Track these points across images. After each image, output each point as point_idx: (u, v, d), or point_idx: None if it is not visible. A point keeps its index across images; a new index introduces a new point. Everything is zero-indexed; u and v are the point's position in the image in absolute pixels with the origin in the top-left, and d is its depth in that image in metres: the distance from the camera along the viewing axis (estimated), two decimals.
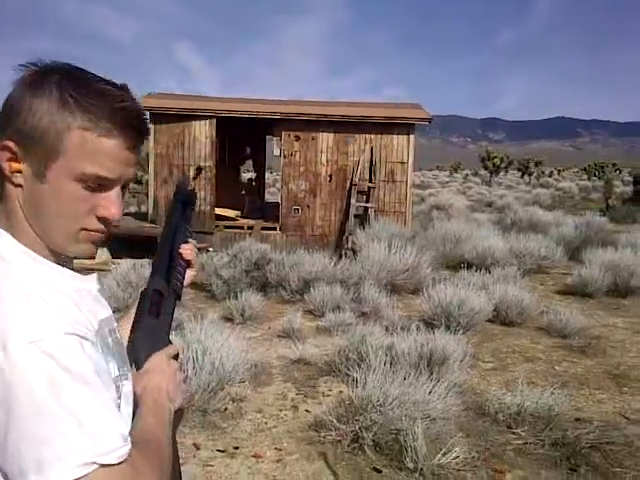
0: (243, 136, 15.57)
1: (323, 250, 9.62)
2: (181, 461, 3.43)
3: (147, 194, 13.16)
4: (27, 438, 0.71)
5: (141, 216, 13.52)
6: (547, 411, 4.09)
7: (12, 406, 0.71)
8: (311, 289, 7.45)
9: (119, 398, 0.89)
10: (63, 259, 0.90)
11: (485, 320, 6.65)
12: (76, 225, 0.85)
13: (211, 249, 10.82)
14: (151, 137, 12.37)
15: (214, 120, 12.34)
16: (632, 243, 10.46)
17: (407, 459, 3.50)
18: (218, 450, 3.77)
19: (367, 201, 12.23)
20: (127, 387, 0.94)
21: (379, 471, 3.53)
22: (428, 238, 11.15)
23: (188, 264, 1.14)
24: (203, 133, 12.38)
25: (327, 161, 12.38)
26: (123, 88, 0.86)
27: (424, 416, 3.78)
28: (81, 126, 0.81)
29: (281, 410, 4.45)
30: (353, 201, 12.13)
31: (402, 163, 12.36)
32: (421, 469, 3.45)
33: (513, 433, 4.00)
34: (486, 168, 44.72)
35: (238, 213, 13.72)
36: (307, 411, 4.42)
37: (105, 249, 10.49)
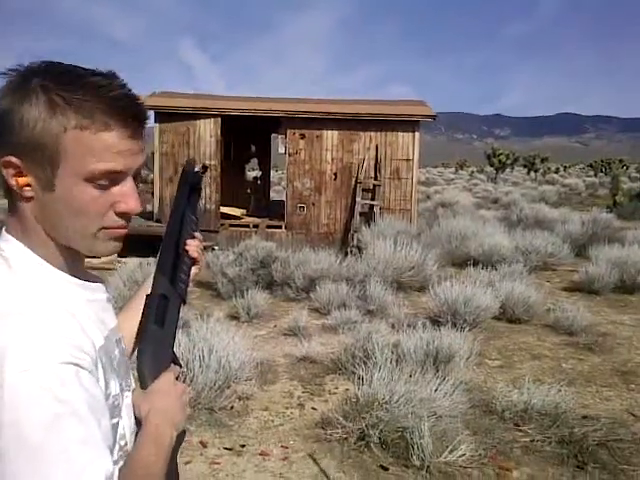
0: (248, 134, 15.58)
1: (329, 248, 9.62)
2: (188, 459, 3.45)
3: (152, 193, 13.19)
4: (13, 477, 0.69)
5: (147, 215, 13.56)
6: (554, 408, 4.08)
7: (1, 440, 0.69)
8: (317, 287, 7.46)
9: (119, 415, 0.88)
10: (76, 265, 0.89)
11: (491, 317, 6.63)
12: (96, 225, 0.83)
13: (216, 248, 10.84)
14: (156, 136, 12.41)
15: (219, 119, 12.35)
16: (639, 240, 10.41)
17: (413, 457, 3.50)
18: (225, 448, 3.78)
19: (372, 199, 12.22)
20: (128, 399, 0.93)
21: (385, 469, 3.53)
22: (434, 235, 11.13)
23: (194, 262, 1.10)
24: (208, 132, 12.40)
25: (332, 159, 12.38)
26: (110, 76, 0.82)
27: (430, 414, 3.77)
28: (76, 125, 0.78)
29: (287, 408, 4.46)
30: (358, 199, 12.12)
31: (407, 160, 12.33)
32: (427, 466, 3.45)
33: (520, 431, 3.99)
34: (492, 165, 44.58)
35: (243, 211, 13.74)
36: (313, 409, 4.43)
37: None
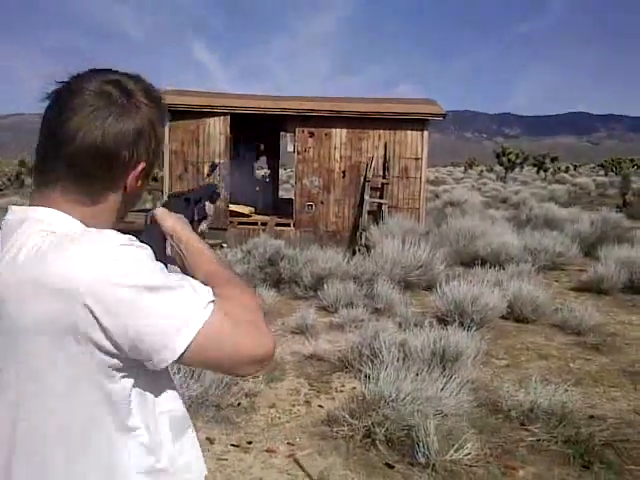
0: (257, 133, 15.61)
1: (337, 246, 9.64)
2: None
3: (162, 190, 13.25)
4: (160, 315, 0.89)
5: None
6: (561, 408, 4.07)
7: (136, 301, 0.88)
8: (324, 285, 7.47)
9: None
10: None
11: (499, 317, 6.62)
12: None
13: (225, 245, 10.89)
14: (166, 134, 12.46)
15: (228, 117, 12.39)
16: None
17: (419, 455, 3.51)
18: (232, 445, 3.81)
19: (381, 197, 12.22)
20: None
21: (391, 467, 3.55)
22: (442, 234, 11.11)
23: (204, 217, 1.35)
24: (217, 130, 12.44)
25: (341, 157, 12.39)
26: None
27: (436, 412, 3.79)
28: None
29: (294, 405, 4.48)
30: (367, 197, 12.12)
31: (416, 159, 12.32)
32: (433, 465, 3.47)
33: (526, 430, 3.99)
34: (501, 164, 44.39)
35: (252, 209, 13.77)
36: (320, 406, 4.45)
37: None
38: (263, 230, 11.80)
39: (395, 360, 4.41)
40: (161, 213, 1.18)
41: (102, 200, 1.01)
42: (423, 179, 12.39)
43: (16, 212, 0.98)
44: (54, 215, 0.97)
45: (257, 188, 16.22)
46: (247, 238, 10.14)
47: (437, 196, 24.36)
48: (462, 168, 67.73)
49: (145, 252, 0.93)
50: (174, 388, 1.07)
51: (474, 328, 5.74)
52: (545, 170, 48.51)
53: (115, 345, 0.88)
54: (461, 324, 5.87)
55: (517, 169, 48.00)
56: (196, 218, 1.31)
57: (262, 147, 16.88)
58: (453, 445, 3.53)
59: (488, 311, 6.30)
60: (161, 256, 1.13)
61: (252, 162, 16.85)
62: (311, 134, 12.36)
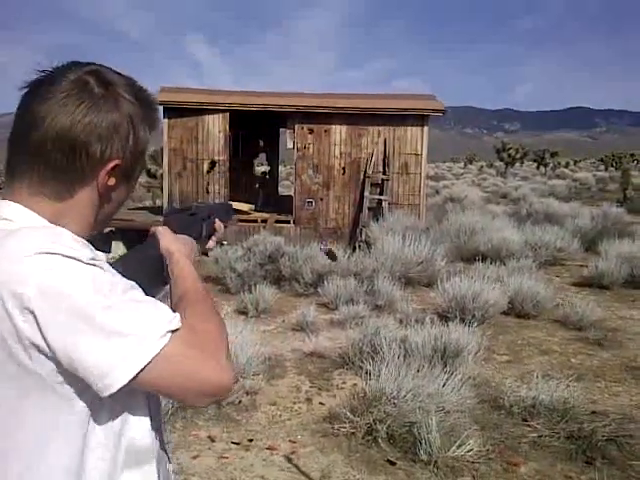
0: (256, 129, 15.57)
1: (337, 243, 9.62)
2: (196, 453, 3.47)
3: (161, 188, 13.22)
4: (103, 334, 0.80)
5: (156, 210, 13.61)
6: (562, 404, 4.06)
7: (79, 314, 0.80)
8: (325, 282, 7.46)
9: None
10: None
11: (500, 313, 6.61)
12: None
13: (225, 242, 10.87)
14: (165, 131, 12.43)
15: (227, 114, 12.36)
16: None
17: (421, 451, 3.50)
18: (233, 442, 3.80)
19: (381, 193, 12.19)
20: None
21: (393, 463, 3.54)
22: (442, 230, 11.09)
23: (213, 233, 1.31)
24: (216, 127, 12.41)
25: (340, 154, 12.35)
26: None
27: (438, 409, 3.77)
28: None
29: (295, 403, 4.47)
30: (367, 194, 12.09)
31: (416, 155, 12.29)
32: (435, 461, 3.46)
33: (528, 426, 3.98)
34: (501, 159, 44.37)
35: (252, 206, 13.74)
36: (321, 404, 4.44)
37: (120, 243, 10.58)
38: (263, 227, 11.79)
39: (396, 357, 4.39)
40: (161, 230, 1.13)
41: (68, 197, 0.92)
42: (423, 175, 12.36)
43: None
44: (16, 211, 0.90)
45: (257, 185, 16.20)
46: (247, 235, 10.11)
47: (437, 192, 24.34)
48: (462, 164, 67.68)
49: (89, 270, 0.84)
50: (146, 415, 0.97)
51: (475, 324, 5.73)
52: (545, 165, 48.48)
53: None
54: (462, 320, 5.86)
55: (517, 164, 47.99)
56: (204, 234, 1.27)
57: (261, 144, 16.85)
58: (455, 441, 3.52)
59: (489, 307, 6.29)
60: (152, 275, 1.10)
61: (251, 159, 16.83)
62: (310, 130, 12.33)
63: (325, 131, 12.30)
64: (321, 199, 12.37)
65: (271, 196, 15.88)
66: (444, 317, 6.21)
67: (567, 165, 59.20)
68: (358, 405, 4.06)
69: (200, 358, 0.86)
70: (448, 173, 45.92)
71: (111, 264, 0.97)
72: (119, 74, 0.96)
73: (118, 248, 10.54)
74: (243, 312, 6.78)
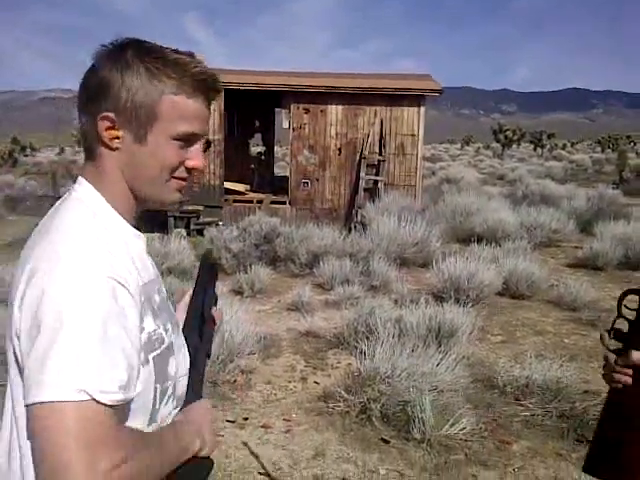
0: (252, 109, 15.45)
1: (332, 224, 9.61)
2: None
3: None
4: (40, 356, 0.78)
5: None
6: (555, 383, 4.09)
7: (40, 324, 0.80)
8: (320, 263, 7.46)
9: (156, 349, 0.94)
10: (133, 217, 1.02)
11: (495, 293, 6.64)
12: (169, 174, 0.98)
13: (220, 223, 10.84)
14: None
15: (222, 93, 12.23)
16: None
17: (414, 430, 3.54)
18: (228, 420, 3.83)
19: (377, 174, 12.15)
20: (180, 340, 1.06)
21: (387, 442, 3.57)
22: (438, 212, 11.09)
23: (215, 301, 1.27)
24: (212, 106, 12.28)
25: (336, 134, 12.28)
26: (191, 55, 0.98)
27: (432, 388, 3.80)
28: (171, 92, 0.94)
29: (290, 382, 4.50)
30: (363, 174, 12.05)
31: (412, 136, 12.22)
32: (428, 440, 3.49)
33: (521, 405, 4.02)
34: (498, 141, 44.20)
35: (247, 187, 13.69)
36: (316, 383, 4.46)
37: None
38: (259, 208, 11.75)
39: (391, 336, 4.41)
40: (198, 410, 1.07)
41: (96, 158, 0.97)
42: (419, 156, 12.31)
43: None
44: (82, 187, 0.97)
45: (252, 165, 16.11)
46: (242, 216, 10.08)
47: (433, 173, 24.30)
48: (459, 145, 67.46)
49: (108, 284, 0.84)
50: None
51: (470, 304, 5.76)
52: (542, 147, 48.36)
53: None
54: (457, 301, 5.88)
55: (514, 146, 47.84)
56: (206, 308, 1.21)
57: (257, 124, 16.74)
58: (448, 420, 3.55)
59: (484, 288, 6.31)
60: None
61: (247, 139, 16.72)
62: (306, 110, 12.23)
63: (321, 111, 12.21)
64: (317, 180, 12.32)
65: (267, 176, 15.82)
66: (439, 297, 6.23)
67: (564, 147, 59.09)
68: (352, 384, 4.08)
69: (89, 451, 0.74)
70: (445, 154, 45.78)
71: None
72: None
73: None
74: (238, 292, 6.79)
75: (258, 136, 17.61)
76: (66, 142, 62.70)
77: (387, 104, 12.12)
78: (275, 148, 19.51)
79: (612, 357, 1.29)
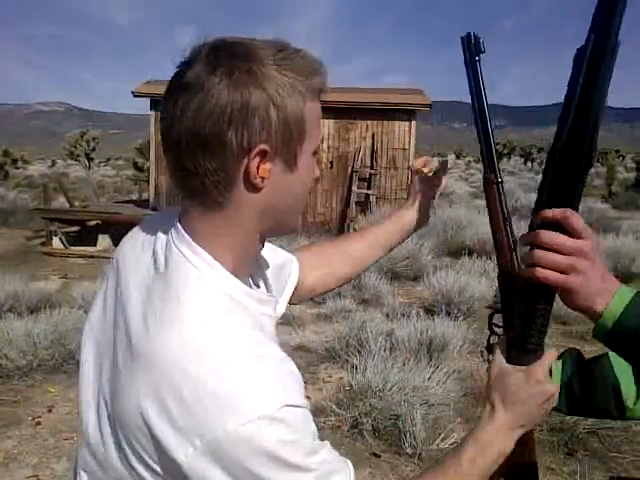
0: None
1: (324, 237, 9.64)
2: None
3: (148, 181, 13.14)
4: None
5: (143, 203, 13.53)
6: None
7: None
8: None
9: None
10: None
11: (485, 307, 6.66)
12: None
13: None
14: (152, 124, 12.35)
15: None
16: (634, 229, 10.44)
17: (406, 444, 3.53)
18: None
19: (368, 188, 12.22)
20: None
21: (378, 456, 3.56)
22: (429, 225, 11.08)
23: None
24: None
25: (328, 148, 12.35)
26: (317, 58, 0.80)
27: (423, 402, 3.80)
28: (308, 99, 0.74)
29: None
30: (354, 188, 12.11)
31: (403, 149, 12.32)
32: (420, 454, 3.49)
33: None
34: None
35: None
36: (307, 397, 4.42)
37: (107, 236, 10.52)
38: None
39: (382, 350, 4.42)
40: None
41: (225, 208, 0.75)
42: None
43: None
44: (198, 256, 0.75)
45: None
46: None
47: None
48: (449, 158, 67.88)
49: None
50: None
51: (461, 318, 5.78)
52: (532, 161, 48.79)
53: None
54: (448, 314, 5.90)
55: (504, 160, 48.25)
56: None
57: None
58: (440, 434, 3.55)
59: (475, 301, 6.33)
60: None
61: None
62: None
63: None
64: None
65: None
66: (430, 311, 6.25)
67: None
68: (344, 398, 4.08)
69: None
70: None
71: None
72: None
73: (104, 240, 10.49)
74: None
75: None
76: (57, 155, 62.63)
77: (378, 118, 12.23)
78: None
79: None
